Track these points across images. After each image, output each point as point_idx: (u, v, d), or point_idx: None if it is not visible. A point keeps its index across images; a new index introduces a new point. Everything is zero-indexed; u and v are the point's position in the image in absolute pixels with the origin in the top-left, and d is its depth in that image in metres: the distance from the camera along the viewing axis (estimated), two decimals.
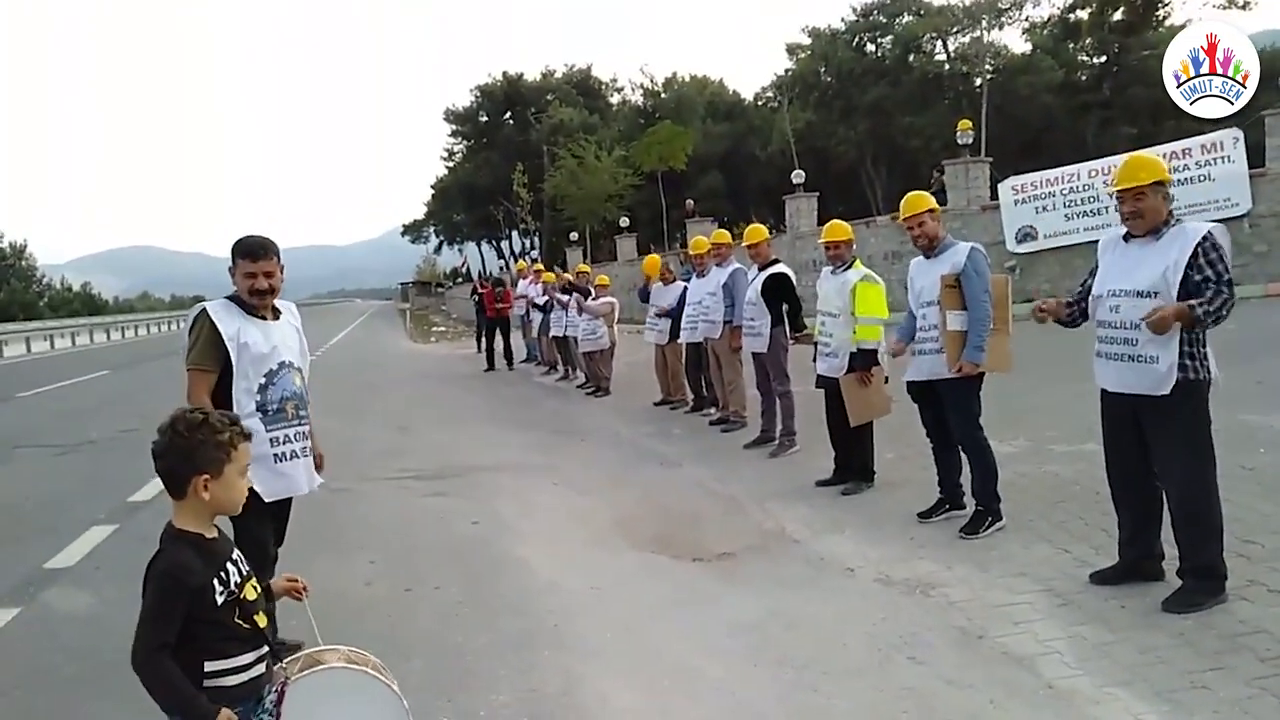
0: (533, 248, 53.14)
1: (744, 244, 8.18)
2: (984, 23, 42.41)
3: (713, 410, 9.58)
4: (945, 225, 5.55)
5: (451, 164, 65.39)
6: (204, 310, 3.70)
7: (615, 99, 60.91)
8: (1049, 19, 44.38)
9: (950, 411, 5.20)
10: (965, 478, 5.35)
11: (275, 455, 3.67)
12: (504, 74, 61.73)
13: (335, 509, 6.20)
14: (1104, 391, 4.13)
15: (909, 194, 5.52)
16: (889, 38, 47.44)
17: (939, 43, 46.06)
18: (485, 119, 62.86)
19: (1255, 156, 15.46)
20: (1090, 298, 4.17)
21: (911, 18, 46.16)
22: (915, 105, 43.15)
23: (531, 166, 46.39)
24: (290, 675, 2.25)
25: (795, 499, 6.24)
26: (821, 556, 5.04)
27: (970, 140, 19.69)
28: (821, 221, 20.89)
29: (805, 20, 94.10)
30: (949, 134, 22.85)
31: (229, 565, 2.16)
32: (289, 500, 3.90)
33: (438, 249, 73.17)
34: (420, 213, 72.81)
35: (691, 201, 30.65)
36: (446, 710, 3.38)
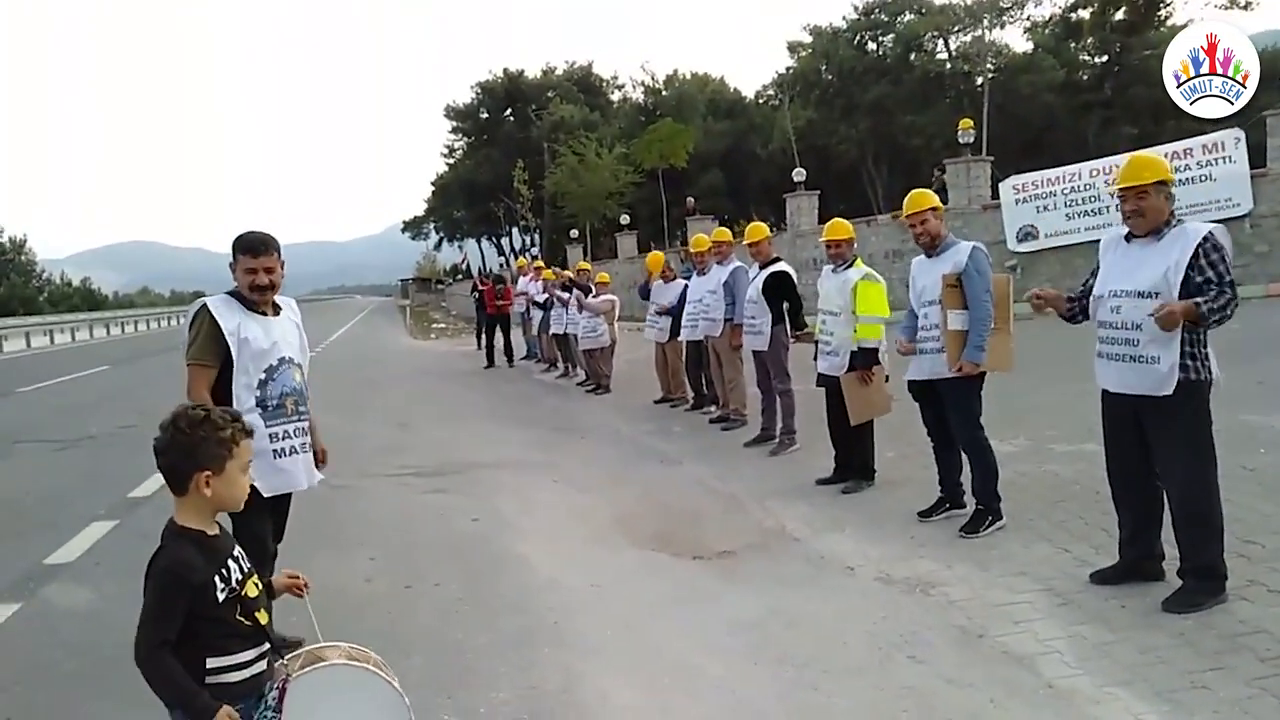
0: (533, 245, 53.13)
1: (745, 242, 8.17)
2: (985, 21, 42.36)
3: (713, 408, 9.58)
4: (946, 224, 5.54)
5: (452, 160, 65.34)
6: (204, 306, 3.70)
7: (616, 96, 60.87)
8: (1050, 18, 44.35)
9: (951, 411, 5.20)
10: (966, 477, 5.35)
11: (275, 451, 3.67)
12: (505, 71, 61.68)
13: (335, 505, 6.20)
14: (1105, 392, 4.13)
15: (913, 191, 5.52)
16: (890, 36, 47.39)
17: (940, 41, 45.99)
18: (486, 116, 62.79)
19: (1257, 157, 15.47)
20: (1091, 298, 4.16)
21: (913, 16, 46.09)
22: (916, 104, 43.11)
23: (532, 163, 46.36)
24: (291, 672, 2.24)
25: (795, 497, 6.24)
26: (822, 555, 5.04)
27: (971, 139, 19.69)
28: (822, 220, 20.89)
29: (807, 18, 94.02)
30: (950, 133, 22.84)
31: (230, 562, 2.17)
32: (288, 496, 3.91)
33: (438, 245, 73.19)
34: (421, 209, 72.77)
35: (692, 199, 30.66)
36: (447, 707, 3.38)
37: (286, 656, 2.32)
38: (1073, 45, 43.43)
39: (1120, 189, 4.00)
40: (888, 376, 6.24)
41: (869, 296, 6.17)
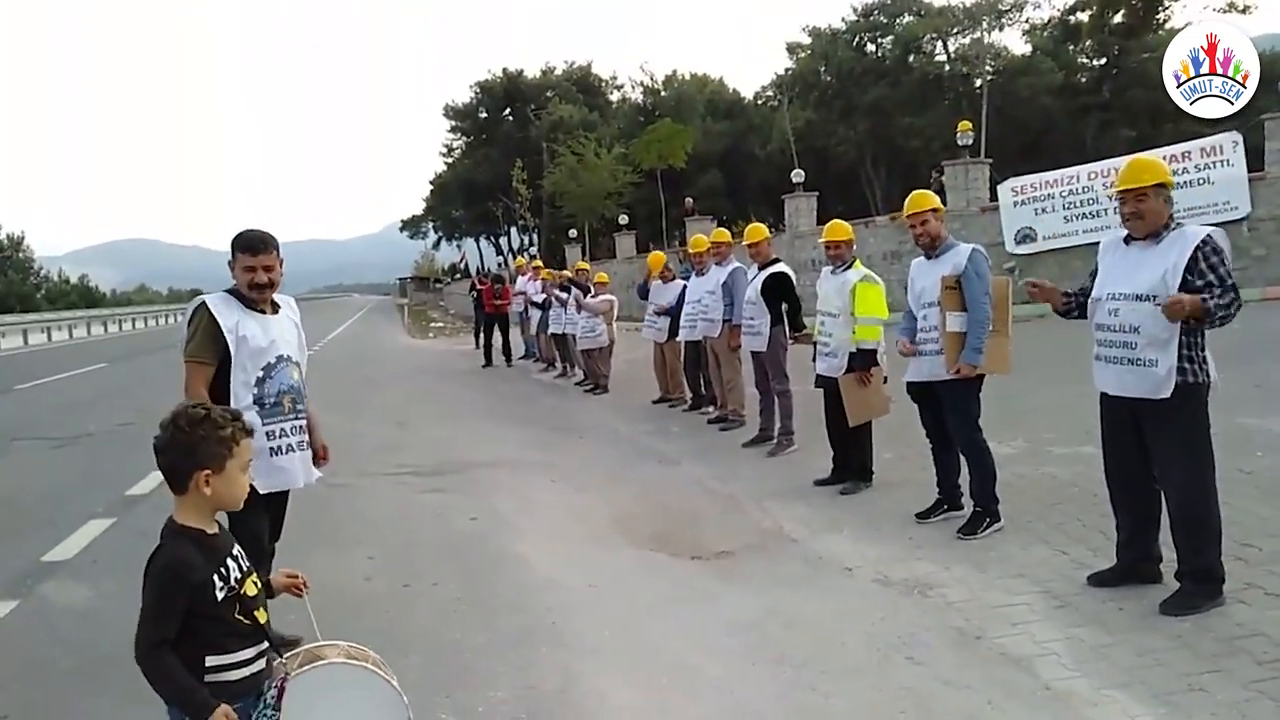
0: (531, 244, 53.13)
1: (744, 243, 8.18)
2: (984, 24, 42.46)
3: (711, 409, 9.59)
4: (945, 226, 5.54)
5: (451, 160, 65.35)
6: (203, 303, 3.71)
7: (615, 96, 60.92)
8: (1049, 21, 44.43)
9: (950, 413, 5.20)
10: (964, 479, 5.36)
11: (271, 449, 3.68)
12: (504, 70, 61.72)
13: (333, 504, 6.19)
14: (1103, 394, 4.13)
15: (914, 192, 5.53)
16: (889, 38, 47.45)
17: (939, 43, 46.06)
18: (485, 115, 62.80)
19: (1254, 160, 15.48)
20: (1089, 300, 4.17)
21: (912, 18, 46.16)
22: (915, 106, 43.16)
23: (531, 163, 46.37)
24: (290, 671, 2.24)
25: (793, 498, 6.25)
26: (820, 556, 5.05)
27: (970, 141, 19.70)
28: (821, 221, 20.90)
29: (805, 19, 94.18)
30: (948, 135, 22.86)
31: (229, 561, 2.17)
32: (286, 494, 3.91)
33: (436, 245, 73.19)
34: (419, 208, 72.82)
35: (690, 200, 30.66)
36: (445, 706, 3.38)
37: (285, 655, 2.32)
38: (1071, 48, 43.51)
39: (1119, 191, 4.01)
40: (886, 378, 6.24)
41: (868, 298, 6.17)
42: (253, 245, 3.69)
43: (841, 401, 6.21)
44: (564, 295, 13.28)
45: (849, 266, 6.40)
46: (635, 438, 8.99)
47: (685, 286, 9.87)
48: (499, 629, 4.13)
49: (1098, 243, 4.38)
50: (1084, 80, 43.00)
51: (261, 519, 3.65)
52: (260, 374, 3.67)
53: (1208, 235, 3.81)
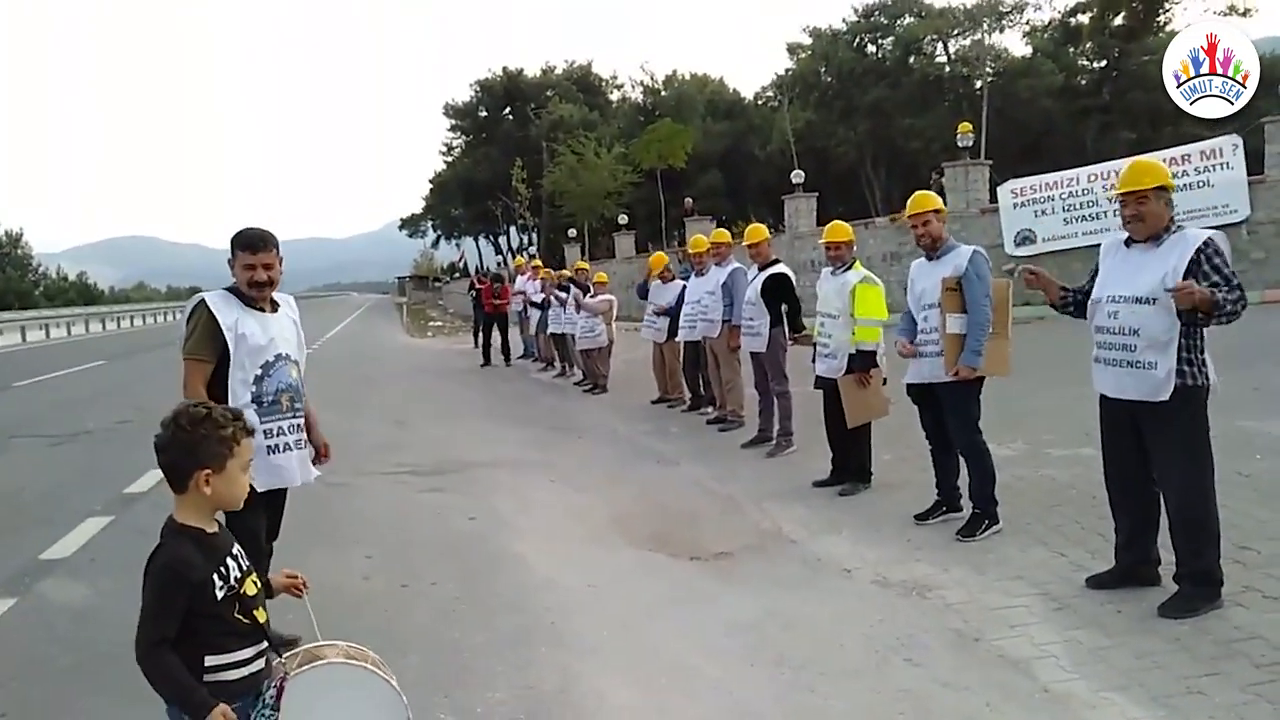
0: (531, 244, 53.15)
1: (745, 243, 8.18)
2: (985, 25, 42.48)
3: (710, 409, 9.59)
4: (946, 227, 5.54)
5: (450, 159, 65.37)
6: (202, 301, 3.71)
7: (615, 96, 60.96)
8: (1050, 23, 44.50)
9: (949, 415, 5.20)
10: (962, 481, 5.36)
11: (269, 447, 3.68)
12: (504, 69, 61.77)
13: (332, 503, 6.19)
14: (1103, 397, 4.14)
15: (917, 192, 5.53)
16: (890, 39, 47.49)
17: (940, 45, 46.10)
18: (485, 114, 62.83)
19: (1254, 163, 15.49)
20: (1090, 302, 4.17)
21: (912, 19, 46.20)
22: (915, 107, 43.20)
23: (530, 162, 46.38)
24: (289, 670, 2.24)
25: (792, 499, 6.25)
26: (819, 557, 5.05)
27: (970, 143, 19.71)
28: (820, 222, 20.90)
29: (806, 20, 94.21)
30: (949, 136, 22.87)
31: (229, 560, 2.16)
32: (283, 492, 3.91)
33: (435, 243, 73.21)
34: (418, 207, 72.85)
35: (690, 200, 30.68)
36: (443, 707, 3.38)
37: (284, 655, 2.31)
38: (1071, 50, 43.57)
39: (1120, 194, 4.01)
40: (885, 379, 6.24)
41: (867, 299, 6.17)
42: (252, 243, 3.70)
43: (841, 403, 6.21)
44: (563, 295, 13.28)
45: (849, 268, 6.40)
46: (634, 438, 8.99)
47: (685, 287, 9.87)
48: (498, 629, 4.13)
49: (1097, 245, 4.38)
50: (1084, 82, 43.05)
51: (259, 517, 3.65)
52: (259, 372, 3.67)
53: (1209, 238, 3.81)
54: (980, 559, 4.75)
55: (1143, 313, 3.85)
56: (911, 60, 45.93)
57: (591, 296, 12.47)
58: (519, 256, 32.73)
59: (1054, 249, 17.06)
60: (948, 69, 45.45)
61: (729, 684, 3.54)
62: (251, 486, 3.42)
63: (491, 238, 64.82)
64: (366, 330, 32.99)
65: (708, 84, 56.57)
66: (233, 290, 3.75)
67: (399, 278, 76.59)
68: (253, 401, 3.62)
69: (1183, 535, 3.92)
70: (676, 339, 10.13)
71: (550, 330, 14.55)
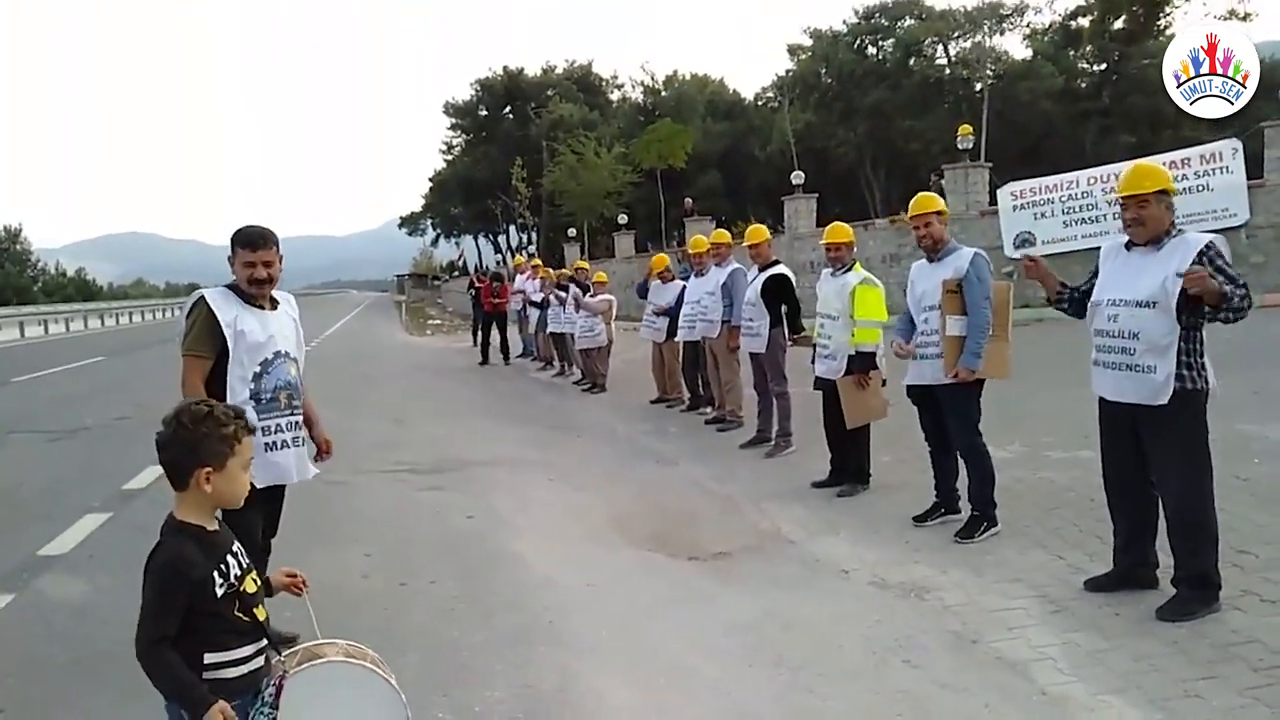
0: (530, 243, 53.16)
1: (745, 244, 8.18)
2: (985, 28, 42.52)
3: (709, 409, 9.59)
4: (947, 229, 5.54)
5: (450, 157, 65.37)
6: (202, 297, 3.72)
7: (615, 96, 60.96)
8: (1050, 25, 44.57)
9: (950, 417, 5.21)
10: (961, 483, 5.36)
11: (266, 444, 3.68)
12: (504, 68, 61.78)
13: (331, 501, 6.19)
14: (1101, 400, 4.14)
15: (919, 194, 5.54)
16: (890, 41, 47.54)
17: (940, 47, 46.14)
18: (485, 113, 62.82)
19: (1254, 167, 15.50)
20: (1089, 304, 4.17)
21: (913, 21, 46.25)
22: (915, 109, 43.24)
23: (530, 161, 46.38)
24: (289, 669, 2.24)
25: (791, 500, 6.25)
26: (817, 558, 5.05)
27: (970, 145, 19.70)
28: (820, 223, 20.91)
29: (806, 21, 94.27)
30: (948, 138, 22.87)
31: (229, 558, 2.17)
32: (282, 490, 3.91)
33: (435, 242, 73.21)
34: (418, 205, 72.84)
35: (690, 200, 30.68)
36: (442, 705, 3.38)
37: (284, 653, 2.31)
38: (1072, 53, 43.61)
39: (1121, 197, 4.01)
40: (884, 381, 6.24)
41: (867, 301, 6.17)
42: (253, 241, 3.70)
43: (840, 404, 6.22)
44: (562, 294, 13.29)
45: (849, 269, 6.40)
46: (633, 437, 8.99)
47: (684, 287, 9.87)
48: (496, 628, 4.13)
49: (1097, 248, 4.38)
50: (1084, 85, 43.10)
51: (255, 515, 3.65)
52: (257, 369, 3.67)
53: (1210, 241, 3.82)
54: (979, 561, 4.75)
55: (1143, 316, 3.86)
56: (912, 62, 45.97)
57: (591, 296, 12.47)
58: (519, 256, 32.74)
59: (1053, 252, 17.02)
60: (948, 71, 45.50)
61: (727, 684, 3.54)
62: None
63: (491, 236, 64.82)
64: (365, 328, 32.98)
65: (708, 84, 56.58)
66: (232, 288, 3.75)
67: (398, 276, 76.66)
68: (251, 398, 3.63)
69: (1181, 538, 3.92)
70: (676, 339, 10.13)
71: (549, 329, 14.55)
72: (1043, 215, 17.36)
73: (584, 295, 12.53)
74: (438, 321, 36.05)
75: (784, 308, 7.85)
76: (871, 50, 48.14)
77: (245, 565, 2.21)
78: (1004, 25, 44.44)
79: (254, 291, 3.72)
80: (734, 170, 49.05)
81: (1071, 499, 5.56)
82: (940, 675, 3.53)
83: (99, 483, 6.97)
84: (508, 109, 60.99)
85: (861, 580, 4.66)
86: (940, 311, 5.10)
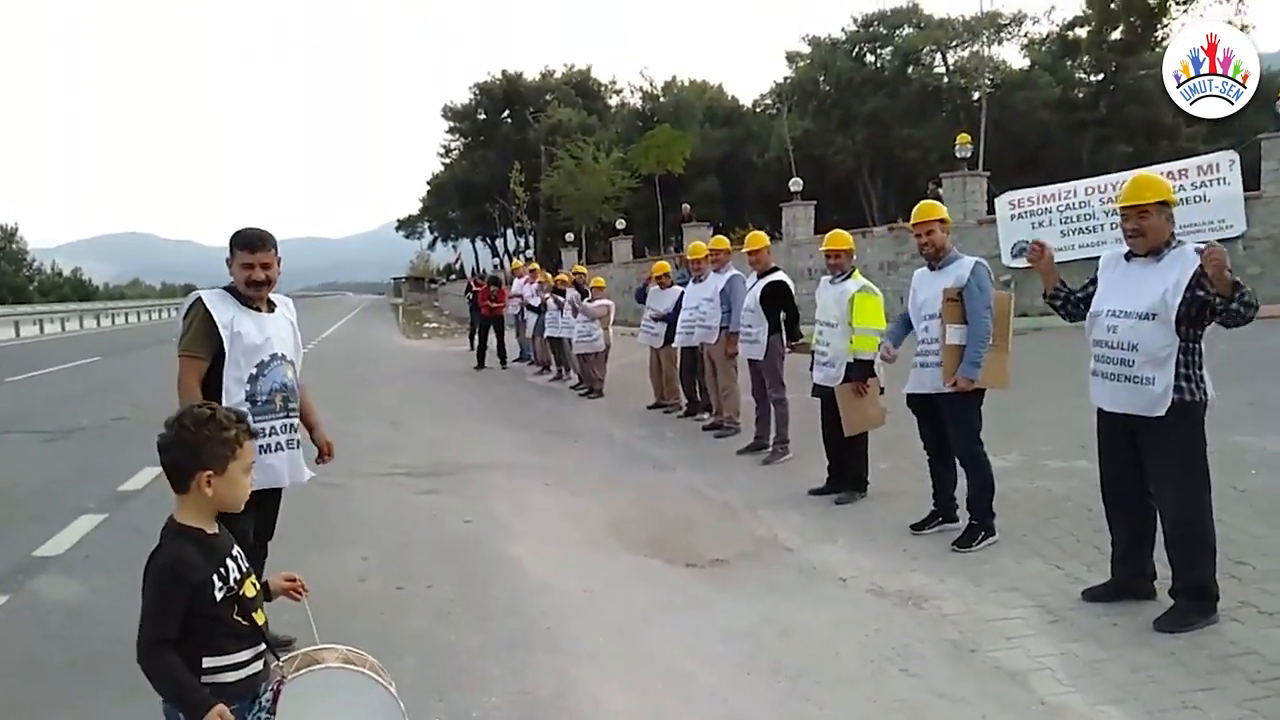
0: (527, 247, 53.17)
1: (744, 250, 8.18)
2: (983, 37, 42.62)
3: (706, 415, 9.58)
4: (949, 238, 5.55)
5: (448, 161, 65.37)
6: (199, 298, 3.72)
7: (614, 101, 60.99)
8: (1048, 36, 44.70)
9: (951, 425, 5.21)
10: (959, 491, 5.36)
11: (260, 446, 3.66)
12: (503, 72, 61.81)
13: (328, 504, 6.17)
14: (1100, 410, 4.15)
15: (922, 201, 5.56)
16: (889, 49, 47.63)
17: (938, 56, 46.28)
18: (483, 117, 62.85)
19: (1251, 179, 15.56)
20: (1088, 315, 4.18)
21: (911, 30, 46.38)
22: (913, 117, 43.33)
23: (529, 166, 46.40)
24: (287, 674, 2.23)
25: (788, 507, 6.24)
26: (814, 565, 5.05)
27: (969, 154, 19.76)
28: (818, 230, 20.94)
29: (805, 29, 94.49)
30: (946, 146, 22.93)
31: (229, 561, 2.16)
32: (278, 494, 3.90)
33: (432, 245, 73.20)
34: (415, 208, 72.84)
35: (688, 205, 30.68)
36: (439, 710, 3.37)
37: (283, 658, 2.31)
38: (1069, 63, 43.74)
39: (1122, 208, 4.02)
40: (883, 389, 6.25)
41: (866, 308, 6.18)
42: (251, 242, 3.71)
43: (838, 411, 6.22)
44: (560, 298, 13.28)
45: (848, 276, 6.41)
46: (630, 443, 8.98)
47: (683, 293, 9.87)
48: (493, 632, 4.12)
49: (1094, 258, 4.39)
50: (1081, 95, 43.22)
51: (247, 518, 3.65)
52: (253, 371, 3.67)
53: None
54: (976, 570, 4.75)
55: (1142, 328, 3.86)
56: (910, 71, 46.08)
57: (589, 301, 12.47)
58: (516, 260, 32.73)
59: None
60: (946, 80, 45.61)
61: (725, 691, 3.53)
62: None
63: (488, 240, 64.83)
64: (362, 331, 32.96)
65: (706, 90, 56.62)
66: (230, 289, 3.75)
67: (395, 279, 76.57)
68: (246, 400, 3.63)
69: (1179, 549, 3.92)
70: (673, 344, 10.13)
71: (547, 334, 14.55)
72: (1040, 225, 17.38)
73: (582, 300, 12.53)
74: (434, 325, 36.02)
75: (783, 314, 7.86)
76: (870, 58, 48.24)
77: (245, 569, 2.21)
78: (1002, 35, 44.59)
79: (252, 294, 3.72)
80: (732, 176, 49.09)
81: (1069, 509, 5.57)
82: (938, 684, 3.52)
83: (95, 483, 6.95)
84: (506, 113, 61.02)
85: (859, 588, 4.66)
86: (941, 320, 5.11)
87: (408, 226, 73.24)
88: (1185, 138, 37.51)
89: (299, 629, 2.81)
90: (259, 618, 2.20)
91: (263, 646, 2.20)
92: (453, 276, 53.38)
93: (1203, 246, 3.66)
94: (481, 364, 16.79)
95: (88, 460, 8.08)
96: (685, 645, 3.98)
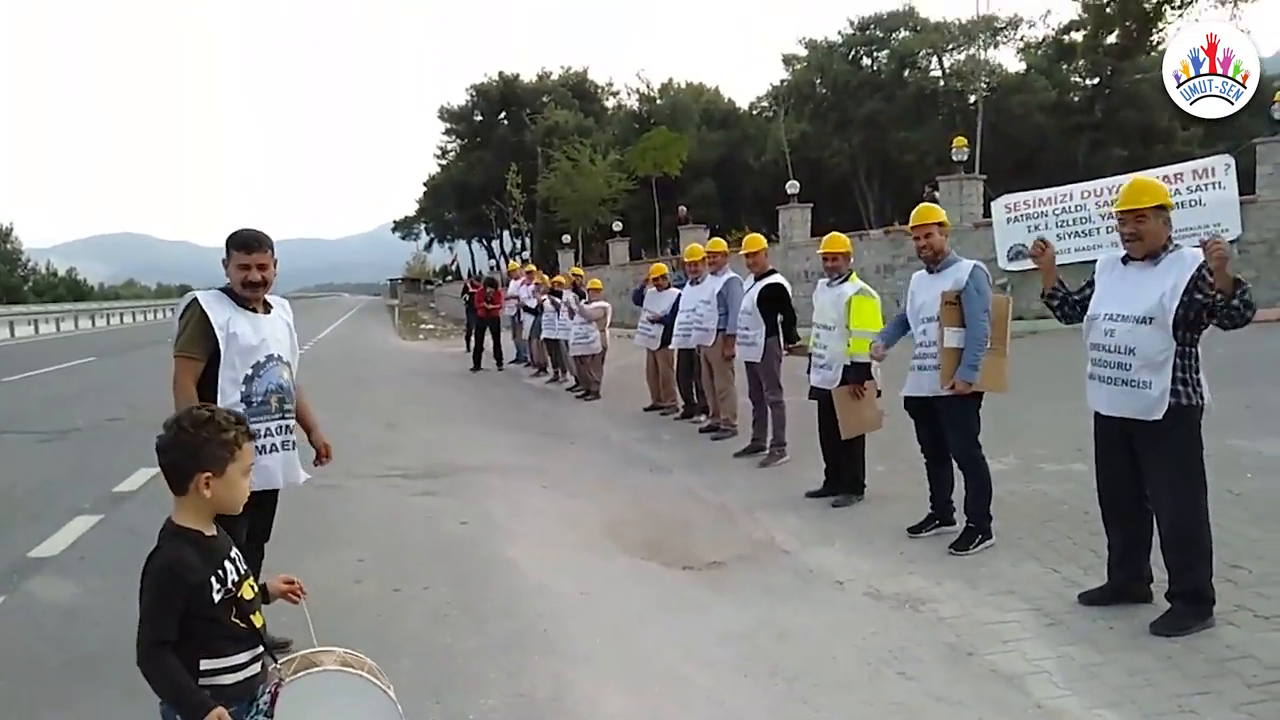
0: (524, 248, 53.13)
1: (742, 252, 8.18)
2: (979, 41, 42.71)
3: (702, 417, 9.58)
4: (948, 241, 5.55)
5: (445, 162, 65.31)
6: (195, 299, 3.72)
7: (611, 103, 61.00)
8: (1044, 39, 44.81)
9: (949, 428, 5.21)
10: (956, 494, 5.37)
11: (256, 447, 3.66)
12: (500, 74, 61.77)
13: (324, 506, 6.16)
14: (1097, 414, 4.15)
15: (921, 204, 5.57)
16: (885, 52, 47.70)
17: (934, 59, 46.37)
18: (480, 118, 62.80)
19: (1246, 183, 15.60)
20: (1085, 318, 4.19)
21: (908, 33, 46.46)
22: (909, 120, 43.41)
23: (525, 167, 46.38)
24: (285, 676, 2.23)
25: (785, 509, 6.25)
26: (811, 568, 5.05)
27: (965, 157, 19.78)
28: (814, 233, 20.97)
29: (802, 32, 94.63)
30: (942, 150, 22.96)
31: (227, 563, 2.16)
32: (274, 495, 3.89)
33: (428, 246, 73.13)
34: (412, 209, 72.76)
35: (684, 208, 30.71)
36: (436, 713, 3.37)
37: (281, 660, 2.30)
38: (1065, 67, 43.85)
39: (1119, 212, 4.04)
40: (880, 392, 6.25)
41: (863, 311, 6.19)
42: (247, 243, 3.71)
43: (835, 414, 6.22)
44: (557, 300, 13.28)
45: (845, 279, 6.41)
46: (627, 445, 8.98)
47: (680, 295, 9.87)
48: (490, 634, 4.12)
49: (1090, 261, 4.39)
50: (1077, 99, 43.36)
51: (242, 519, 3.63)
52: (249, 372, 3.67)
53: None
54: (973, 573, 4.75)
55: (1139, 332, 3.87)
56: (906, 74, 46.16)
57: (586, 303, 12.47)
58: (513, 261, 32.71)
59: None
60: (942, 83, 45.71)
61: (721, 694, 3.53)
62: None
63: (485, 242, 64.76)
64: (358, 332, 32.91)
65: (703, 93, 56.67)
66: (226, 290, 3.76)
67: (391, 280, 76.54)
68: (241, 401, 3.63)
69: (1175, 553, 3.93)
70: (670, 346, 10.13)
71: (543, 335, 14.54)
72: (1036, 228, 17.38)
73: (579, 301, 12.53)
74: (430, 326, 35.99)
75: (780, 317, 7.86)
76: (866, 61, 48.31)
77: (243, 571, 2.20)
78: (998, 38, 44.70)
79: (248, 294, 3.72)
80: (728, 179, 49.15)
81: (1065, 512, 5.57)
82: (935, 687, 3.52)
83: (90, 484, 6.92)
84: (503, 115, 61.00)
85: (856, 591, 4.66)
86: (939, 323, 5.11)
87: (404, 228, 73.15)
88: (1181, 142, 37.67)
89: (296, 630, 2.80)
90: (257, 620, 2.20)
91: (261, 649, 2.20)
92: (449, 278, 53.32)
93: (1206, 238, 3.66)
94: (478, 365, 16.78)
95: (83, 461, 8.05)
96: (682, 648, 3.98)
